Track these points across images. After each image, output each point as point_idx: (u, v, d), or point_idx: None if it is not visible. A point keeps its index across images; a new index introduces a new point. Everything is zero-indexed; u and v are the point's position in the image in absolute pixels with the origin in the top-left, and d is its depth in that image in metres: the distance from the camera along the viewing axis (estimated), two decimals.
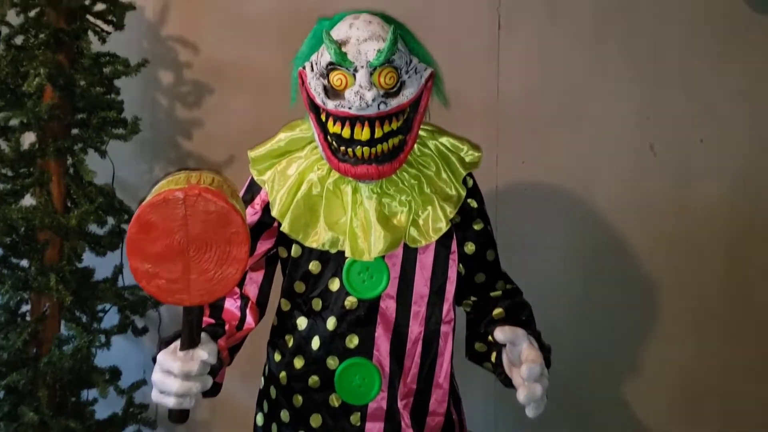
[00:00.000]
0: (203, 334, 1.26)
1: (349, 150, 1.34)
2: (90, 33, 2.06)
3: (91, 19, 2.08)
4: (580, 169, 2.45)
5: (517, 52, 2.47)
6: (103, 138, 2.03)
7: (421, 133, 1.49)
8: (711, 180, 2.43)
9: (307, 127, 1.49)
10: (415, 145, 1.46)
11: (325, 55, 1.37)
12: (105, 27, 2.13)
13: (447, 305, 1.50)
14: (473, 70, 2.47)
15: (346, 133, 1.34)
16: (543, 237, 2.47)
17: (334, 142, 1.36)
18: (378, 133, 1.32)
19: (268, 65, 2.48)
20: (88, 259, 2.28)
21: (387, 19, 1.45)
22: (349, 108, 1.30)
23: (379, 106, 1.31)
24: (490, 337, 1.43)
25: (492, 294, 1.59)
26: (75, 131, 2.12)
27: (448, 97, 1.55)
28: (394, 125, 1.35)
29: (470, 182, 1.58)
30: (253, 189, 1.54)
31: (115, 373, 2.18)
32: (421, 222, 1.44)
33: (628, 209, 2.43)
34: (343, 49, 1.34)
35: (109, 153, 2.26)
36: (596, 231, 2.45)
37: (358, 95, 1.30)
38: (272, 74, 2.43)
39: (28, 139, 2.13)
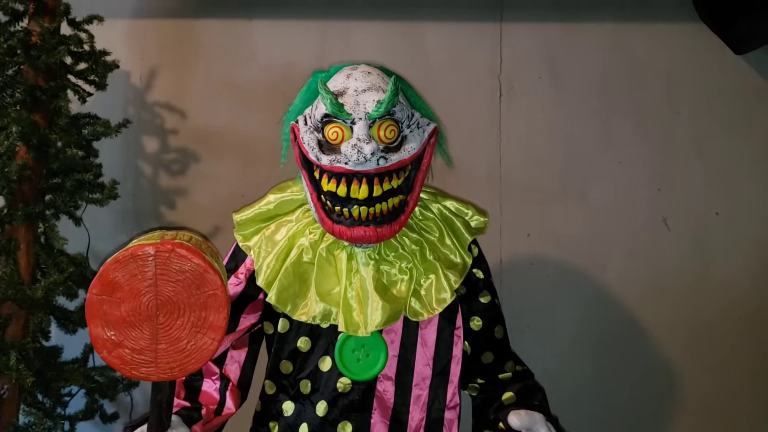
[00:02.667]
0: (175, 417, 1.14)
1: (345, 210, 1.27)
2: (71, 93, 2.01)
3: (72, 78, 2.03)
4: (589, 244, 2.43)
5: (520, 119, 2.47)
6: (77, 202, 1.94)
7: (422, 195, 1.44)
8: (729, 255, 2.38)
9: (299, 189, 1.43)
10: (417, 208, 1.41)
11: (320, 108, 1.31)
12: (87, 87, 2.08)
13: (452, 388, 1.40)
14: (474, 137, 2.45)
15: (341, 191, 1.26)
16: (551, 316, 2.42)
17: (328, 202, 1.29)
18: (377, 191, 1.25)
19: (257, 132, 2.45)
20: (57, 336, 2.13)
21: (387, 71, 1.40)
22: (346, 163, 1.23)
23: (378, 161, 1.24)
24: (501, 424, 1.32)
25: (501, 376, 1.49)
26: (48, 197, 2.03)
27: (451, 157, 1.49)
28: (395, 183, 1.28)
29: (475, 250, 1.50)
30: (238, 257, 1.47)
31: None
32: (423, 292, 1.36)
33: (643, 287, 2.41)
34: (340, 100, 1.27)
35: (87, 222, 2.18)
36: (608, 310, 2.42)
37: (356, 148, 1.23)
38: (261, 141, 2.45)
39: None
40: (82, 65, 2.06)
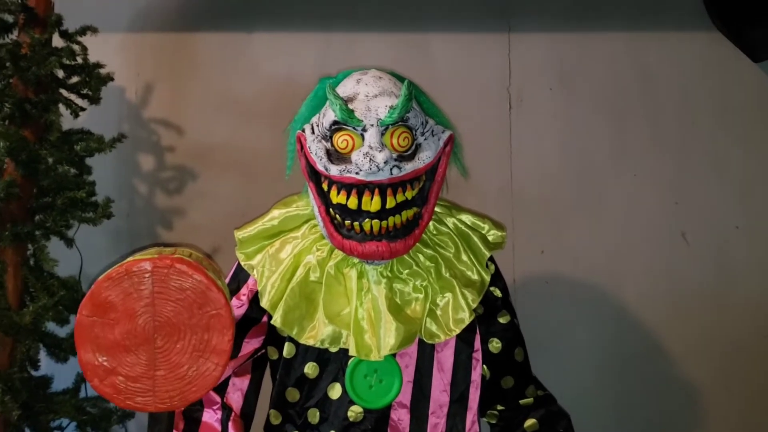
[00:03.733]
0: None
1: (356, 224, 1.22)
2: (63, 107, 1.95)
3: (64, 92, 1.97)
4: (606, 260, 2.38)
5: (531, 132, 2.43)
6: (69, 221, 1.87)
7: (436, 209, 1.39)
8: (752, 270, 2.34)
9: (305, 204, 1.39)
10: (431, 222, 1.36)
11: (328, 115, 1.25)
12: (79, 102, 2.02)
13: (471, 416, 1.34)
14: (484, 151, 2.40)
15: (352, 203, 1.21)
16: (568, 337, 2.37)
17: (337, 215, 1.24)
18: (390, 203, 1.20)
19: (258, 148, 2.41)
20: (47, 365, 2.04)
21: (398, 77, 1.35)
22: (357, 173, 1.18)
23: (391, 170, 1.18)
24: None
25: (522, 402, 1.44)
26: (38, 217, 1.96)
27: (466, 167, 1.44)
28: (409, 194, 1.23)
29: (492, 267, 1.44)
30: (240, 277, 1.42)
31: None
32: (439, 312, 1.31)
33: (663, 305, 2.37)
34: (350, 106, 1.22)
35: (79, 243, 2.11)
36: (628, 329, 2.37)
37: (368, 157, 1.17)
38: (262, 158, 2.39)
39: None
40: (76, 79, 2.00)
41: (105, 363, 0.87)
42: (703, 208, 2.38)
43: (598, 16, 2.45)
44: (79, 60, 1.96)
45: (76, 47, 1.92)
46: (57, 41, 2.01)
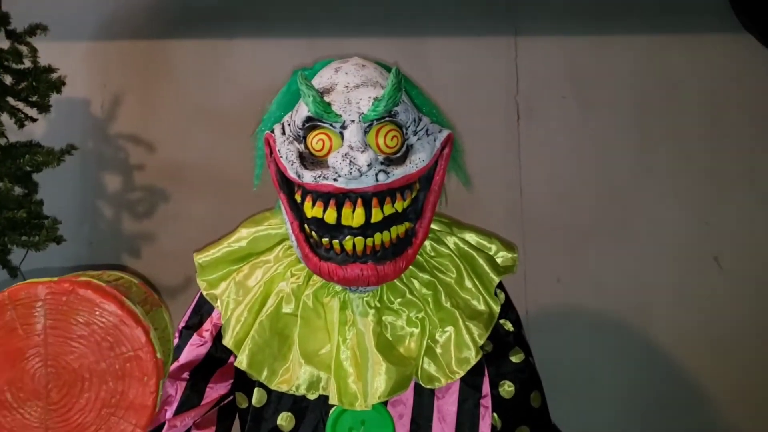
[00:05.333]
0: None
1: (335, 242, 1.09)
2: (6, 117, 1.81)
3: (11, 100, 1.84)
4: (630, 289, 2.33)
5: (542, 145, 2.37)
6: (6, 245, 1.71)
7: (433, 226, 1.29)
8: None
9: (279, 221, 1.29)
10: (427, 241, 1.26)
11: (301, 111, 1.13)
12: (29, 111, 1.89)
13: None
14: (490, 167, 2.34)
15: (330, 216, 1.07)
16: (588, 377, 2.31)
17: (313, 233, 1.12)
18: (376, 216, 1.07)
19: (236, 166, 2.27)
20: None
21: (386, 66, 1.22)
22: (335, 179, 1.05)
23: (377, 175, 1.05)
24: None
25: None
26: None
27: (469, 176, 1.33)
28: (399, 206, 1.10)
29: (502, 296, 1.34)
30: (203, 310, 1.33)
31: None
32: (439, 350, 1.21)
33: (695, 339, 2.30)
34: (327, 99, 1.09)
35: (30, 274, 1.99)
36: (656, 368, 2.31)
37: (347, 159, 1.03)
38: (241, 177, 2.23)
39: None
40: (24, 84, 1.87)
41: None
42: (737, 229, 2.33)
43: (614, 17, 2.40)
44: (28, 63, 1.82)
45: (23, 48, 1.78)
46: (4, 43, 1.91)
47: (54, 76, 1.87)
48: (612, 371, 2.30)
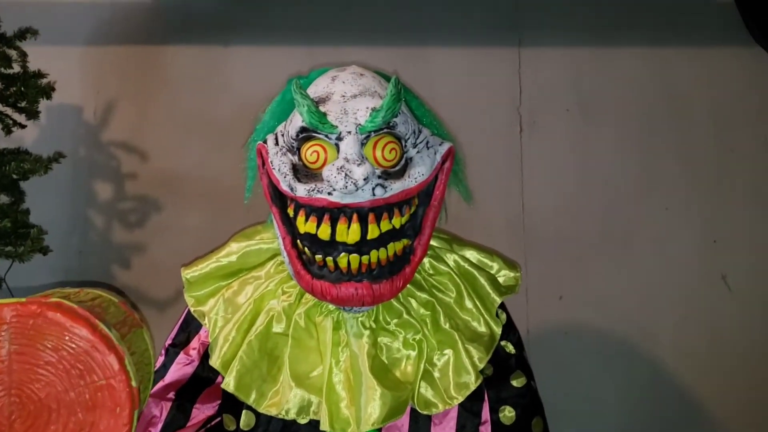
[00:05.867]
0: None
1: (329, 259, 1.06)
2: None
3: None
4: (634, 308, 2.27)
5: (545, 158, 2.33)
6: None
7: (432, 242, 1.26)
8: None
9: (270, 236, 1.27)
10: (426, 259, 1.24)
11: (295, 120, 1.09)
12: (18, 118, 1.85)
13: None
14: (491, 180, 2.29)
15: (323, 232, 1.04)
16: (591, 399, 2.25)
17: (306, 249, 1.09)
18: (372, 233, 1.04)
19: (231, 177, 2.20)
20: None
21: (385, 76, 1.19)
22: (329, 193, 1.02)
23: (374, 190, 1.02)
24: None
25: None
26: None
27: (470, 191, 1.30)
28: (396, 222, 1.07)
29: (503, 316, 1.31)
30: (190, 327, 1.30)
31: None
32: (437, 374, 1.19)
33: (702, 361, 2.25)
34: (323, 108, 1.05)
35: (16, 285, 1.93)
36: (661, 391, 2.26)
37: (343, 172, 0.99)
38: (236, 188, 2.20)
39: None
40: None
41: None
42: (746, 247, 2.29)
43: (621, 29, 2.37)
44: (17, 68, 1.77)
45: (12, 53, 1.74)
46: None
47: (44, 81, 1.83)
48: (616, 394, 2.26)
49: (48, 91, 1.82)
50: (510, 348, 1.30)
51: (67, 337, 0.63)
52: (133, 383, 0.67)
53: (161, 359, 1.27)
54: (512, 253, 2.19)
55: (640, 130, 2.33)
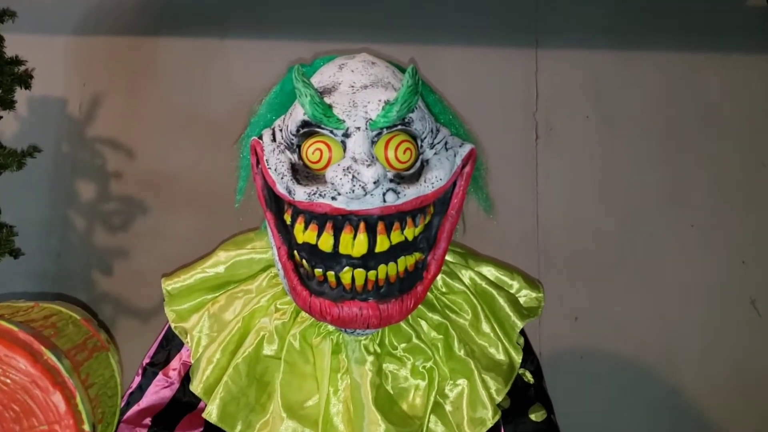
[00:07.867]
0: None
1: (330, 274, 0.97)
2: None
3: None
4: (656, 333, 2.25)
5: (562, 168, 2.33)
6: None
7: (447, 257, 1.18)
8: None
9: (264, 245, 1.20)
10: (439, 275, 1.15)
11: (296, 113, 0.99)
12: None
13: None
14: (504, 191, 2.20)
15: (325, 243, 0.95)
16: (608, 427, 2.22)
17: (304, 261, 1.00)
18: (381, 245, 0.95)
19: (225, 178, 2.17)
20: None
21: (399, 67, 1.10)
22: (333, 198, 0.92)
23: (385, 195, 0.93)
24: None
25: None
26: None
27: (491, 200, 1.21)
28: (409, 233, 0.98)
29: (521, 341, 1.23)
30: (170, 345, 1.23)
31: None
32: (449, 408, 1.11)
33: (728, 391, 2.22)
34: (328, 100, 0.96)
35: None
36: (683, 419, 2.22)
37: (350, 174, 0.89)
38: (230, 190, 2.17)
39: None
40: None
41: None
42: None
43: (644, 31, 2.37)
44: None
45: None
46: None
47: (20, 69, 1.76)
48: (634, 422, 2.23)
49: (26, 80, 1.78)
50: (528, 377, 1.23)
51: (1, 370, 0.52)
52: (86, 427, 0.56)
53: (137, 379, 1.19)
54: (525, 269, 2.14)
55: (664, 141, 2.32)
